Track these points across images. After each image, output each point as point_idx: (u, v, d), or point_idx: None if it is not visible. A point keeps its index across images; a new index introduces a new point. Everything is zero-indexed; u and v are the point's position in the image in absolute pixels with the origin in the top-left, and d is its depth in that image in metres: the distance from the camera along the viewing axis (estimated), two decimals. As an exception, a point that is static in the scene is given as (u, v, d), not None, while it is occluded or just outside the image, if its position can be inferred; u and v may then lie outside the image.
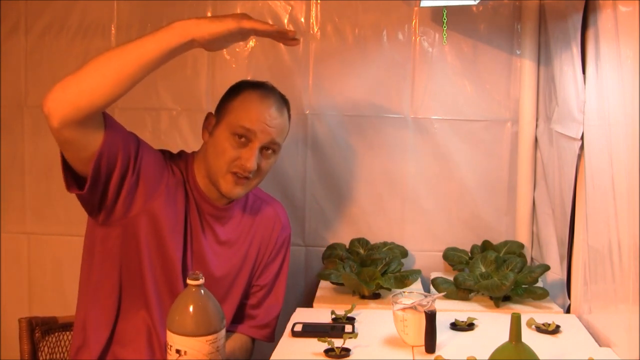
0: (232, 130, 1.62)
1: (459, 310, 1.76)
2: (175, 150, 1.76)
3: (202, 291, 1.37)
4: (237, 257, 1.74)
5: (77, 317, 1.67)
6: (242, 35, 1.47)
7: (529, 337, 1.47)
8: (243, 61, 2.20)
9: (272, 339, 1.79)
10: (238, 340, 1.75)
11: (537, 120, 2.11)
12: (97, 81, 1.38)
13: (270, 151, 1.66)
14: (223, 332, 1.38)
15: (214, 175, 1.65)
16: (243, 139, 1.62)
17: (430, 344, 1.46)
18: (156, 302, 1.62)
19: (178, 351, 1.34)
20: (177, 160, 1.70)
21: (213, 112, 1.71)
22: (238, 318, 1.78)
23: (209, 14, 2.18)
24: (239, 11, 2.17)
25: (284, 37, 1.51)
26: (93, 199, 1.53)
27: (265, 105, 1.64)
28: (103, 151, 1.45)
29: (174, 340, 1.35)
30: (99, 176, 1.48)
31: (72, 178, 1.50)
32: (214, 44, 1.45)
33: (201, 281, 1.36)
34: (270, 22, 1.54)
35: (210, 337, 1.35)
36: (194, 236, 1.66)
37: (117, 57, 1.39)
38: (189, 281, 1.36)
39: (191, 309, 1.35)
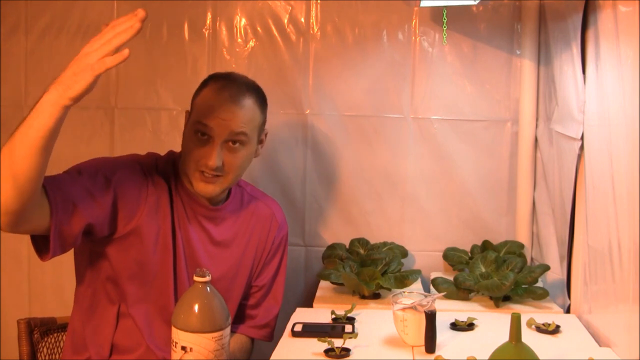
0: (194, 128, 1.59)
1: (459, 310, 1.76)
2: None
3: (208, 288, 1.37)
4: (234, 258, 1.72)
5: (74, 331, 1.65)
6: None
7: (529, 337, 1.46)
8: (243, 61, 2.19)
9: (272, 339, 1.79)
10: (237, 341, 1.75)
11: (537, 120, 2.10)
12: (8, 185, 1.30)
13: (237, 144, 1.60)
14: (228, 329, 1.38)
15: (187, 176, 1.61)
16: (205, 136, 1.58)
17: (430, 344, 1.46)
18: (144, 321, 1.61)
19: (184, 348, 1.34)
20: (164, 164, 1.67)
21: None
22: (237, 318, 1.77)
23: (209, 14, 2.18)
24: (238, 11, 2.18)
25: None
26: (69, 249, 1.50)
27: (220, 99, 1.59)
28: (57, 225, 1.40)
29: (180, 337, 1.35)
30: (65, 243, 1.44)
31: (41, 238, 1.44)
32: (85, 95, 1.33)
33: (207, 278, 1.36)
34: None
35: (216, 334, 1.35)
36: (185, 241, 1.63)
37: (11, 157, 1.30)
38: (195, 278, 1.36)
39: (197, 305, 1.35)
